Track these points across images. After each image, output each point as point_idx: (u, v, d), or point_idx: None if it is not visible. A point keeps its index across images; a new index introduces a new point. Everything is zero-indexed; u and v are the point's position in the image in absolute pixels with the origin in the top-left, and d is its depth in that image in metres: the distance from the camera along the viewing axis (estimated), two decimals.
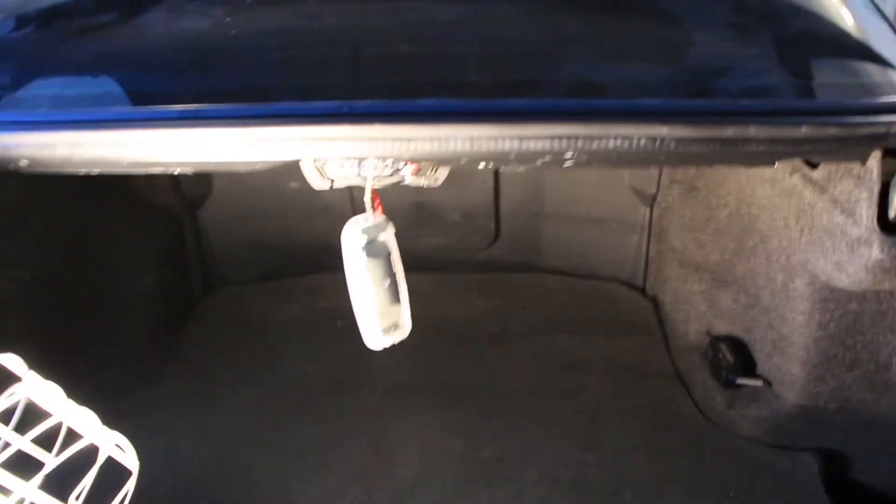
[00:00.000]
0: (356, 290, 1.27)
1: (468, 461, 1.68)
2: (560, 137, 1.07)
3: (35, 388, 0.90)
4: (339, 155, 1.14)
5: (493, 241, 2.39)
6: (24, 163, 1.18)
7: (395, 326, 1.32)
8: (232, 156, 1.09)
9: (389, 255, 1.29)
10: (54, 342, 1.76)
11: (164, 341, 2.12)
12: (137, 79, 1.28)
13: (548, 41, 1.29)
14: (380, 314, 1.27)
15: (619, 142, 1.07)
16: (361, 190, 1.27)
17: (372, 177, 1.24)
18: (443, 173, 1.43)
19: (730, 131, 1.06)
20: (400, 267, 1.31)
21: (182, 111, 1.09)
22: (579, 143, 1.07)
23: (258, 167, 1.16)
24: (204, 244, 2.35)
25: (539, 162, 1.13)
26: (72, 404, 0.99)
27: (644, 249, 2.31)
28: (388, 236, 1.29)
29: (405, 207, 2.30)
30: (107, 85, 1.26)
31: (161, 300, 2.15)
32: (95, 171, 1.22)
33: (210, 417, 1.85)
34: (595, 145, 1.07)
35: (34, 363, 1.75)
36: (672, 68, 1.28)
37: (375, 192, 1.27)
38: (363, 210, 1.28)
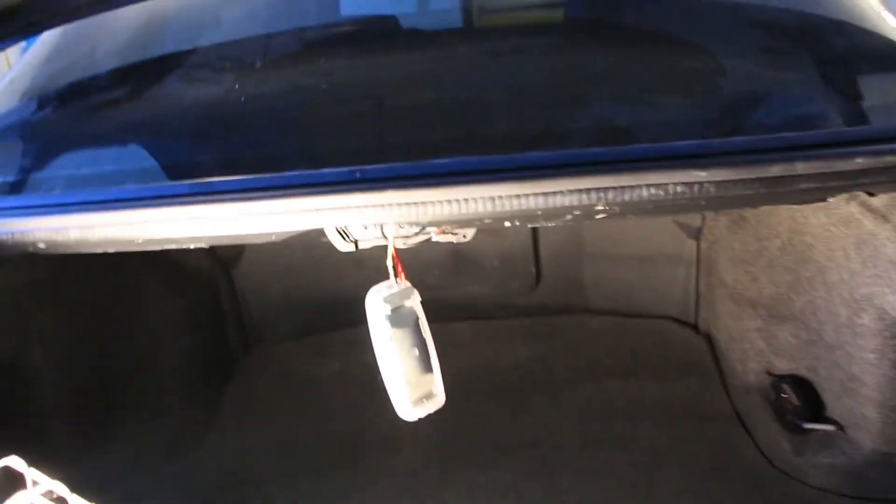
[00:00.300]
0: (384, 361, 1.20)
1: None
2: (588, 191, 0.99)
3: (37, 493, 0.84)
4: (354, 223, 1.08)
5: (535, 284, 2.31)
6: (41, 245, 1.16)
7: (429, 396, 1.25)
8: (244, 229, 1.04)
9: (417, 321, 1.22)
10: (89, 415, 1.74)
11: (202, 405, 2.08)
12: (147, 154, 1.25)
13: (568, 84, 1.22)
14: (410, 385, 1.20)
15: (652, 191, 0.99)
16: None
17: (393, 240, 1.17)
18: (470, 230, 1.36)
19: (775, 170, 0.97)
20: (429, 334, 1.24)
21: (190, 186, 1.05)
22: (610, 196, 1.00)
23: (273, 238, 1.11)
24: (240, 303, 2.31)
25: (568, 217, 1.06)
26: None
27: (693, 284, 2.20)
28: (414, 303, 1.22)
29: (441, 255, 2.23)
30: (119, 162, 1.23)
31: (198, 362, 2.12)
32: (111, 250, 1.19)
33: (251, 484, 1.79)
34: (627, 196, 1.00)
35: (70, 437, 1.74)
36: (704, 104, 1.19)
37: (398, 258, 1.21)
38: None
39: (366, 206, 1.01)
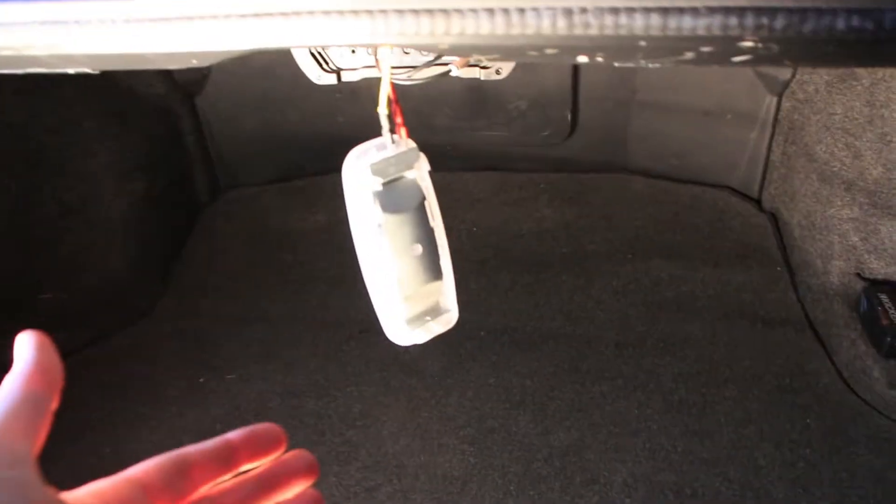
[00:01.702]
0: (367, 261, 0.81)
1: (535, 449, 1.28)
2: (746, 10, 0.56)
3: None
4: (319, 42, 0.63)
5: (569, 134, 1.88)
6: None
7: (434, 312, 0.86)
8: (130, 44, 0.62)
9: (422, 203, 0.80)
10: (11, 284, 1.38)
11: (156, 264, 1.72)
12: None
13: None
14: (407, 297, 0.81)
15: (855, 21, 0.56)
16: None
17: (388, 74, 0.74)
18: (508, 64, 0.93)
19: None
20: (439, 221, 0.83)
21: None
22: (778, 22, 0.56)
23: (195, 62, 0.68)
24: (206, 138, 1.89)
25: (689, 55, 0.62)
26: None
27: (764, 150, 1.78)
28: (420, 174, 0.80)
29: (456, 92, 1.80)
30: None
31: (152, 212, 1.74)
32: None
33: (204, 365, 1.48)
34: (809, 26, 0.56)
35: None
36: None
37: (397, 102, 0.78)
38: None
39: (343, 12, 0.57)
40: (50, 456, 0.40)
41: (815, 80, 1.58)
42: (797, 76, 1.64)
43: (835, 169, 1.50)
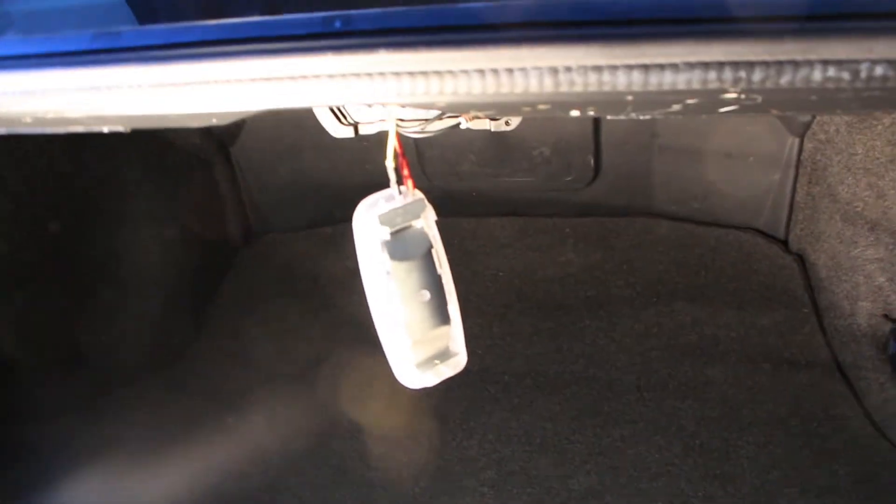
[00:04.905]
0: (377, 308, 0.84)
1: (555, 493, 1.28)
2: (721, 65, 0.58)
3: None
4: (325, 102, 0.68)
5: (592, 179, 1.90)
6: None
7: (443, 356, 0.89)
8: (159, 106, 0.67)
9: (429, 250, 0.84)
10: (49, 327, 1.44)
11: (191, 307, 1.77)
12: None
13: None
14: (416, 342, 0.84)
15: (832, 72, 0.58)
16: None
17: (394, 128, 0.79)
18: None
19: None
20: (447, 269, 0.86)
21: (82, 40, 0.67)
22: (755, 76, 0.59)
23: (215, 121, 0.73)
24: (240, 186, 1.96)
25: (676, 107, 0.64)
26: None
27: (789, 191, 1.78)
28: (426, 223, 0.84)
29: (480, 139, 1.83)
30: None
31: (189, 256, 1.80)
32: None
33: (233, 409, 1.51)
34: (786, 78, 0.59)
35: (26, 356, 1.45)
36: None
37: (404, 157, 0.82)
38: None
39: (347, 75, 0.61)
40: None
41: (836, 120, 1.58)
42: (818, 117, 1.64)
43: (858, 209, 1.50)
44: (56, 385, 1.44)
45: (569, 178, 1.90)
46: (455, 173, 1.88)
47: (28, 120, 0.75)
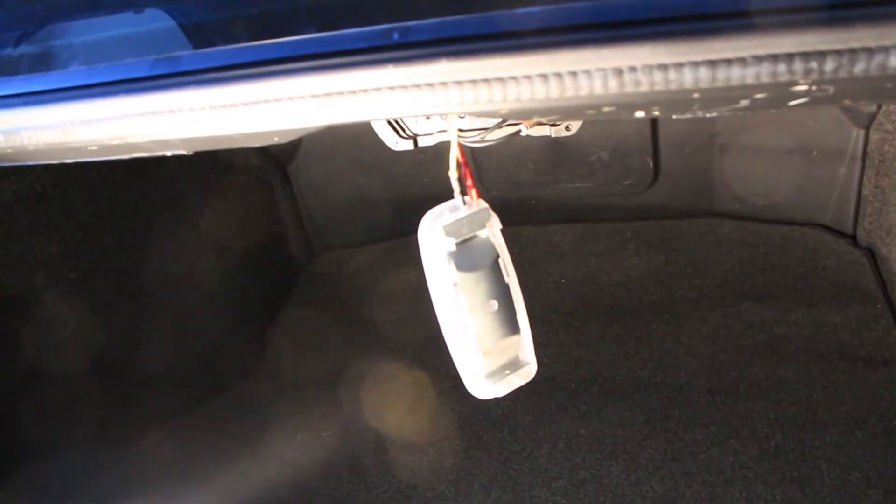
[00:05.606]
0: (446, 319, 0.85)
1: (628, 500, 1.27)
2: (790, 56, 0.58)
3: None
4: (387, 115, 0.70)
5: (653, 180, 1.89)
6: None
7: (514, 366, 0.89)
8: (216, 127, 0.70)
9: (496, 260, 0.85)
10: (109, 356, 1.49)
11: (254, 325, 1.82)
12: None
13: None
14: (485, 352, 0.85)
15: None
16: None
17: (456, 138, 0.80)
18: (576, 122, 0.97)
19: None
20: (514, 277, 0.87)
21: (136, 67, 0.70)
22: (828, 66, 0.58)
23: (276, 140, 0.76)
24: (300, 205, 2.00)
25: (744, 102, 0.64)
26: None
27: (855, 185, 1.73)
28: (492, 232, 0.85)
29: (537, 146, 1.84)
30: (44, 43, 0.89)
31: (249, 279, 1.84)
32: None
33: (304, 428, 1.54)
34: (860, 66, 0.57)
35: (86, 388, 1.50)
36: None
37: (468, 166, 0.83)
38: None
39: (409, 87, 0.63)
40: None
41: None
42: (884, 107, 1.60)
43: None
44: (124, 408, 1.49)
45: (628, 182, 1.89)
46: (513, 182, 1.88)
47: (94, 148, 0.79)
